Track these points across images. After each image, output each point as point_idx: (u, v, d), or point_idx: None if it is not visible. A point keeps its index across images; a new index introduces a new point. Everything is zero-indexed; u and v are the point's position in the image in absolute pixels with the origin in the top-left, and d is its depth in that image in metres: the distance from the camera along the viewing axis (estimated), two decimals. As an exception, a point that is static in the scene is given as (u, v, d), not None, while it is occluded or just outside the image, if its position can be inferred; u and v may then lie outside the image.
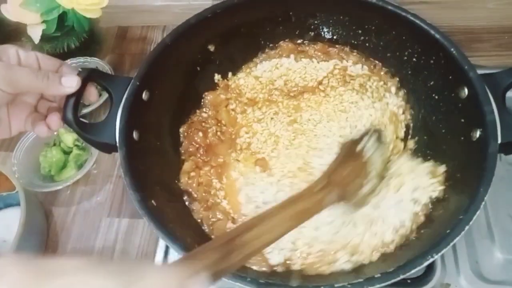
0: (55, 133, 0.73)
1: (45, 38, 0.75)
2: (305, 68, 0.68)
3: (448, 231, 0.43)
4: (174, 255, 0.59)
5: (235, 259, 0.38)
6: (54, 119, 0.49)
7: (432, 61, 0.58)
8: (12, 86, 0.43)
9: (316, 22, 0.68)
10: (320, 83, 0.66)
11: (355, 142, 0.55)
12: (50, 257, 0.30)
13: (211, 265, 0.35)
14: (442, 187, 0.53)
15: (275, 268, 0.52)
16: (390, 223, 0.52)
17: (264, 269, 0.51)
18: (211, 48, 0.66)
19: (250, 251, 0.40)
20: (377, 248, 0.51)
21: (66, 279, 0.27)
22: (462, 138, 0.51)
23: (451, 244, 0.41)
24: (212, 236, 0.55)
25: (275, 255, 0.52)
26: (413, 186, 0.54)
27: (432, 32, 0.55)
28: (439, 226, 0.47)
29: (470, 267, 0.56)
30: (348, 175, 0.51)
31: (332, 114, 0.63)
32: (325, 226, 0.53)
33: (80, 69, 0.79)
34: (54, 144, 0.73)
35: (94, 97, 0.52)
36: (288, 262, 0.52)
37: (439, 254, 0.41)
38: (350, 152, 0.54)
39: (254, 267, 0.52)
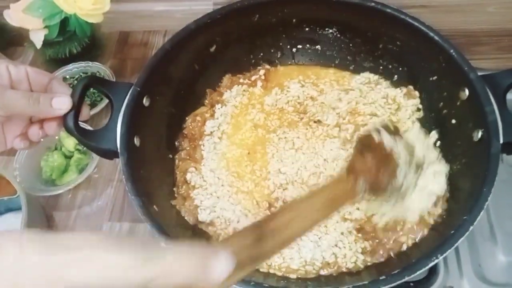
0: (56, 137, 0.73)
1: (47, 43, 0.75)
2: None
3: (452, 232, 0.42)
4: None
5: (265, 247, 0.35)
6: (52, 125, 0.48)
7: (432, 64, 0.58)
8: (5, 110, 0.44)
9: (318, 31, 0.68)
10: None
11: (369, 136, 0.49)
12: (60, 232, 0.26)
13: (239, 251, 0.31)
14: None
15: (199, 225, 0.57)
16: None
17: (190, 220, 0.57)
18: (212, 52, 0.66)
19: (281, 240, 0.37)
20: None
21: (79, 253, 0.24)
22: (464, 139, 0.51)
23: (456, 244, 0.41)
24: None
25: (206, 214, 0.57)
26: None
27: (431, 34, 0.55)
28: (443, 228, 0.47)
29: (473, 270, 0.56)
30: (372, 166, 0.47)
31: (314, 152, 0.60)
32: None
33: (81, 74, 0.81)
34: (56, 149, 0.73)
35: (85, 115, 0.51)
36: (211, 224, 0.57)
37: (444, 255, 0.41)
38: (367, 145, 0.49)
39: (186, 217, 0.57)
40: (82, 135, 0.49)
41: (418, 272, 0.41)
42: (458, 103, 0.53)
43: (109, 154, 0.51)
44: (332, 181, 0.49)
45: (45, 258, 0.23)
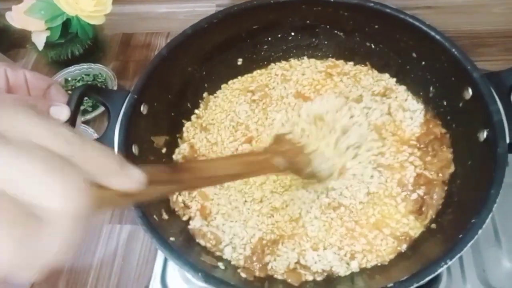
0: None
1: (49, 45, 0.76)
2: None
3: (460, 235, 0.41)
4: (173, 265, 0.58)
5: (180, 186, 0.40)
6: None
7: (434, 64, 0.57)
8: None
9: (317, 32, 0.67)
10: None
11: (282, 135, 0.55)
12: None
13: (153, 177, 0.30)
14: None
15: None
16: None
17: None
18: (211, 56, 0.65)
19: (196, 185, 0.42)
20: None
21: None
22: (469, 139, 0.50)
23: (465, 248, 0.40)
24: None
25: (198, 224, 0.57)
26: None
27: (432, 33, 0.54)
28: (450, 231, 0.46)
29: (477, 275, 0.54)
30: (286, 150, 0.52)
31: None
32: None
33: (83, 76, 0.81)
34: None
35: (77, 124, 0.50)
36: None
37: (454, 259, 0.40)
38: (281, 140, 0.54)
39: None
40: None
41: (426, 279, 0.40)
42: (461, 104, 0.52)
43: (107, 164, 0.50)
44: (253, 152, 0.57)
45: None
